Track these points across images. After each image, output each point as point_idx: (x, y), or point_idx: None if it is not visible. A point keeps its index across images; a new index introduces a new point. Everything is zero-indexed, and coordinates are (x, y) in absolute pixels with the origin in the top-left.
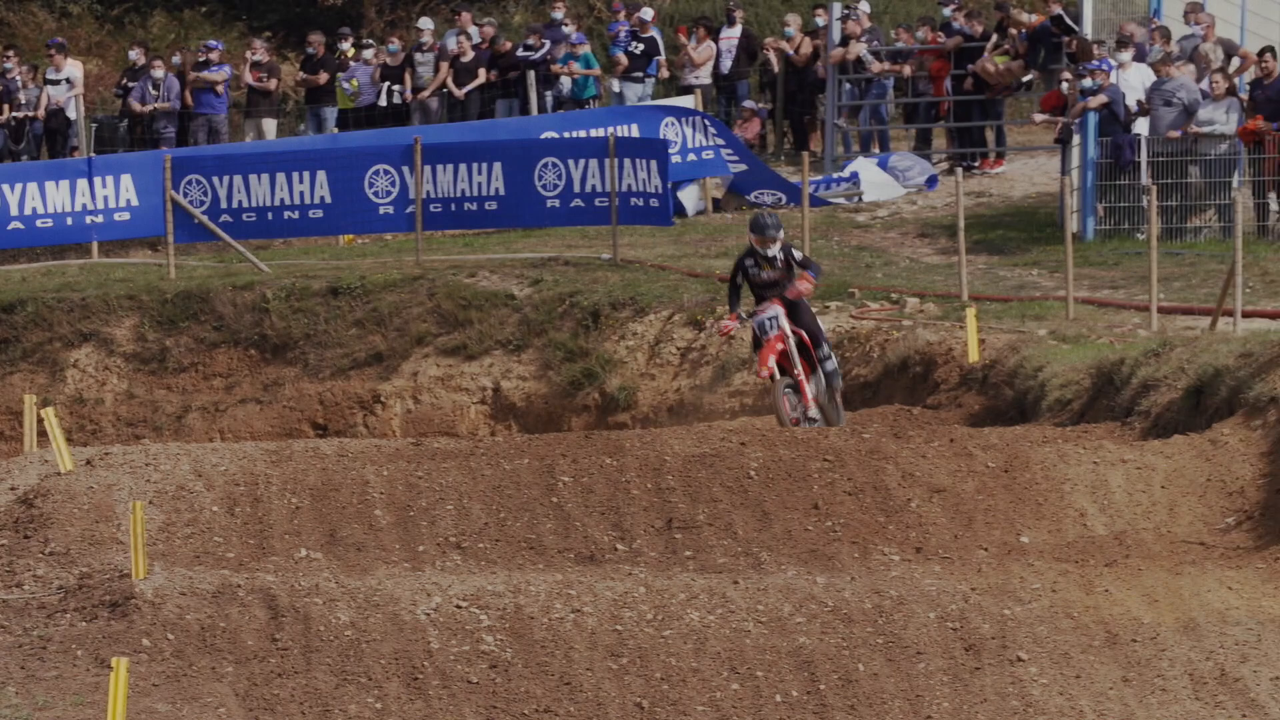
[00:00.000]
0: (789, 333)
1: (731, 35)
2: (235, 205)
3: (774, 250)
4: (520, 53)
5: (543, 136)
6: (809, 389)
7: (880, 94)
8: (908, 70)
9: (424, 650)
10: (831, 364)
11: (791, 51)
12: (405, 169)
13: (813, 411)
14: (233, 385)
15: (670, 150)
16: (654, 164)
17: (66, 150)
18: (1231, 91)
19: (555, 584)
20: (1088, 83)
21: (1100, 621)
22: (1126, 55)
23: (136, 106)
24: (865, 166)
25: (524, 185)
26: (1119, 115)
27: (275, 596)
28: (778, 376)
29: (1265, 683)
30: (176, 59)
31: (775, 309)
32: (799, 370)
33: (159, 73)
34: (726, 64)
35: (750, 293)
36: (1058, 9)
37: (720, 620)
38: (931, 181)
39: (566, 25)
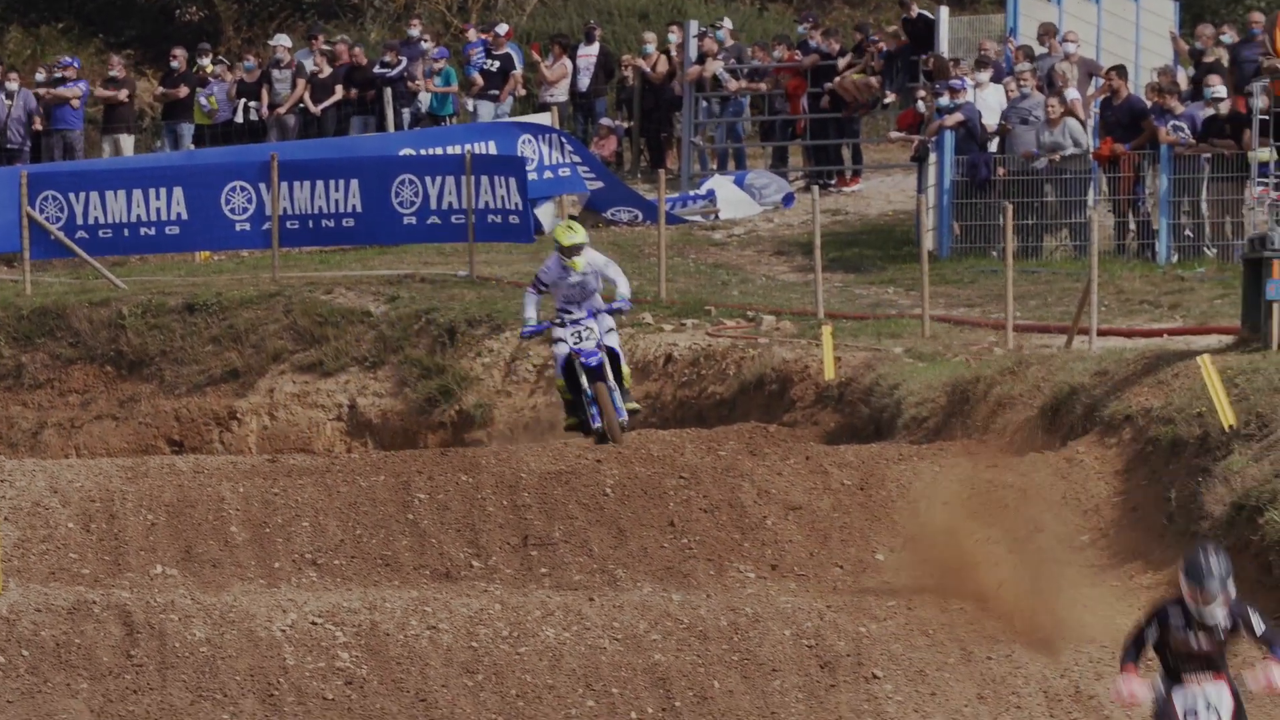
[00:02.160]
0: None
1: (589, 53)
2: (92, 222)
3: (1218, 614)
4: (377, 69)
5: (400, 154)
6: None
7: (737, 112)
8: (764, 88)
9: (279, 667)
10: None
11: (648, 69)
12: (262, 186)
13: None
14: (89, 402)
15: (527, 167)
16: (513, 181)
17: None
18: (1069, 113)
19: (411, 601)
20: (944, 101)
21: (955, 639)
22: (985, 75)
23: None
24: (722, 184)
25: (381, 202)
26: (975, 134)
27: (131, 613)
28: None
29: None
30: (41, 75)
31: (1220, 691)
32: None
33: (13, 85)
34: (585, 81)
35: (1162, 658)
36: (916, 10)
37: (576, 637)
38: (788, 199)
39: (426, 41)
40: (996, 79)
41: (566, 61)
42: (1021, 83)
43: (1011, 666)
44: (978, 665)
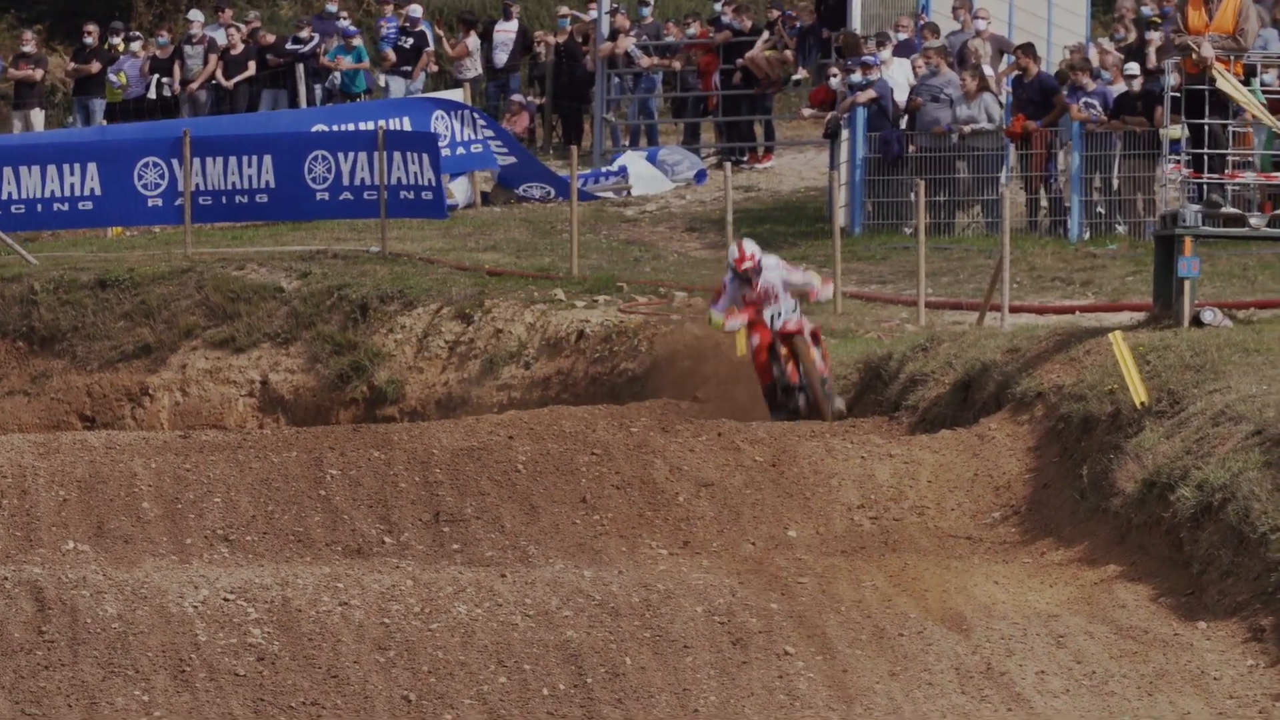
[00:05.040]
0: None
1: (508, 29)
2: (4, 197)
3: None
4: (290, 45)
5: (313, 129)
6: None
7: (649, 88)
8: (677, 64)
9: (191, 643)
10: None
11: (559, 41)
12: (174, 161)
13: None
14: (0, 377)
15: (440, 143)
16: (426, 157)
17: None
18: (984, 88)
19: (323, 577)
20: (856, 78)
21: (867, 616)
22: (887, 52)
23: None
24: (634, 160)
25: (294, 178)
26: (887, 110)
27: (42, 589)
28: None
29: (1030, 676)
30: None
31: None
32: None
33: None
34: (502, 58)
35: None
36: None
37: (488, 613)
38: (700, 176)
39: (344, 19)
40: (901, 54)
41: (473, 39)
42: (928, 59)
43: (923, 643)
44: (889, 642)
